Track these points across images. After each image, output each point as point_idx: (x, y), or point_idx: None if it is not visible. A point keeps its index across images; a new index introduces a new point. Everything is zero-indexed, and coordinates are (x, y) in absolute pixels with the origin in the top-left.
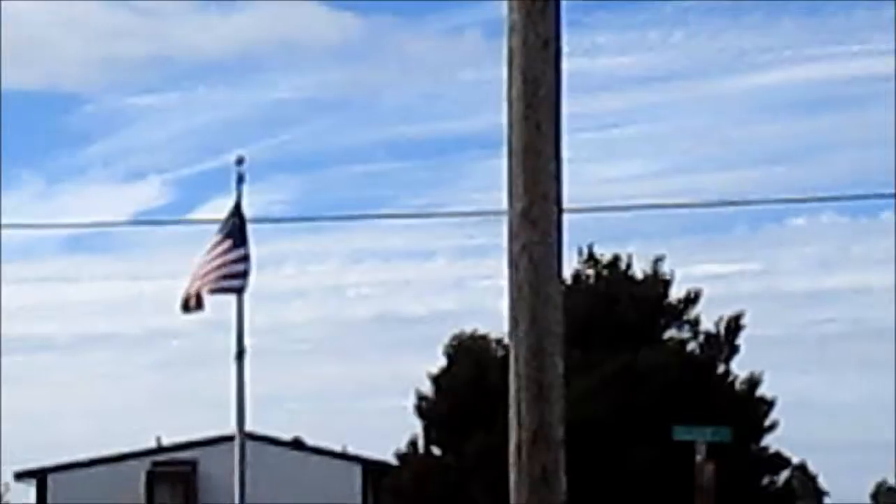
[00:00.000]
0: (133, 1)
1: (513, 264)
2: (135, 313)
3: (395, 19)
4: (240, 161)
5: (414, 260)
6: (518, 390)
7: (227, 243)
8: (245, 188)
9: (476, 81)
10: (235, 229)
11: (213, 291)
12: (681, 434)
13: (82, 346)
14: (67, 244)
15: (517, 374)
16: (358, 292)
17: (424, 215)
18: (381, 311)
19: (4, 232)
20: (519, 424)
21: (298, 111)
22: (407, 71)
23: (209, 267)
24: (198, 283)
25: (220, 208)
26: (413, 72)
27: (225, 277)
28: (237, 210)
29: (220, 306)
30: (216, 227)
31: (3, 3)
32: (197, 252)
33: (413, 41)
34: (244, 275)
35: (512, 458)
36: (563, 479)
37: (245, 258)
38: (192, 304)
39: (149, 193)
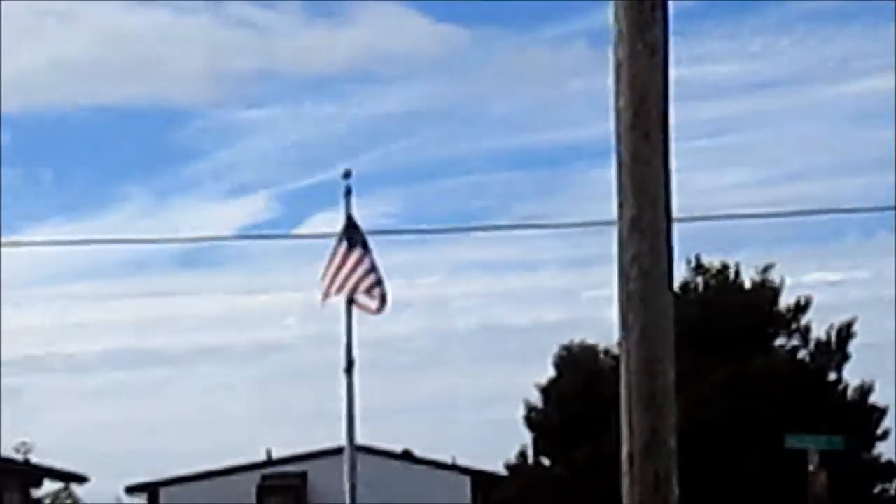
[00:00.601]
0: (240, 16)
1: (623, 274)
2: (243, 327)
3: (500, 30)
4: (347, 174)
5: (521, 271)
6: (629, 399)
7: (370, 261)
8: (353, 201)
9: (582, 91)
10: (370, 249)
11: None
12: (793, 442)
13: (192, 359)
14: (178, 259)
15: (628, 384)
16: (466, 304)
17: (532, 226)
18: (488, 323)
19: (117, 247)
20: (631, 433)
21: (405, 124)
22: (513, 82)
23: (370, 278)
24: (353, 283)
25: (327, 222)
26: (519, 82)
27: (383, 296)
28: (354, 223)
29: (325, 319)
30: (323, 241)
31: (111, 20)
32: (304, 266)
33: (519, 52)
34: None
35: (624, 468)
36: (676, 488)
37: (381, 282)
38: (330, 297)
39: (256, 208)
